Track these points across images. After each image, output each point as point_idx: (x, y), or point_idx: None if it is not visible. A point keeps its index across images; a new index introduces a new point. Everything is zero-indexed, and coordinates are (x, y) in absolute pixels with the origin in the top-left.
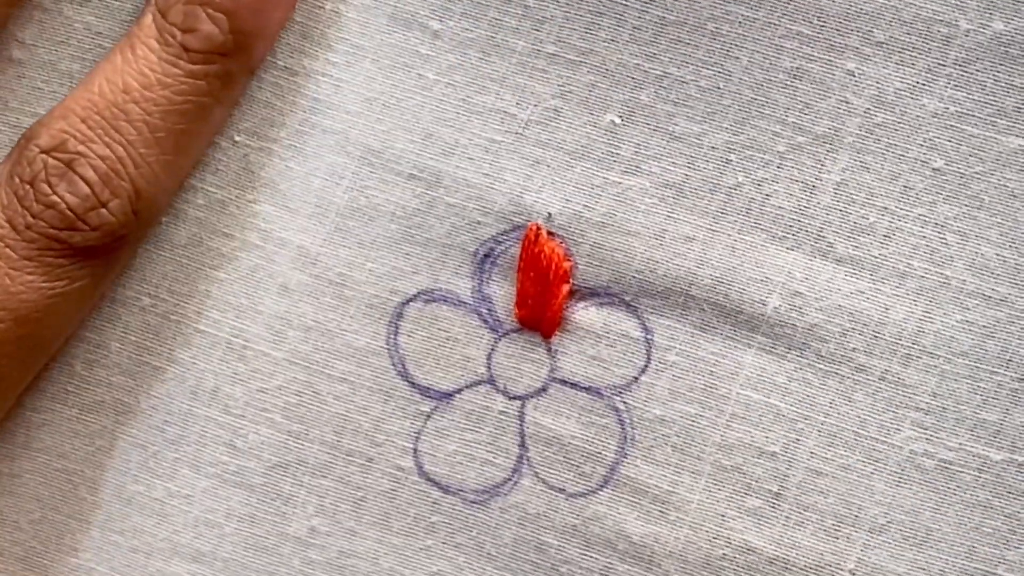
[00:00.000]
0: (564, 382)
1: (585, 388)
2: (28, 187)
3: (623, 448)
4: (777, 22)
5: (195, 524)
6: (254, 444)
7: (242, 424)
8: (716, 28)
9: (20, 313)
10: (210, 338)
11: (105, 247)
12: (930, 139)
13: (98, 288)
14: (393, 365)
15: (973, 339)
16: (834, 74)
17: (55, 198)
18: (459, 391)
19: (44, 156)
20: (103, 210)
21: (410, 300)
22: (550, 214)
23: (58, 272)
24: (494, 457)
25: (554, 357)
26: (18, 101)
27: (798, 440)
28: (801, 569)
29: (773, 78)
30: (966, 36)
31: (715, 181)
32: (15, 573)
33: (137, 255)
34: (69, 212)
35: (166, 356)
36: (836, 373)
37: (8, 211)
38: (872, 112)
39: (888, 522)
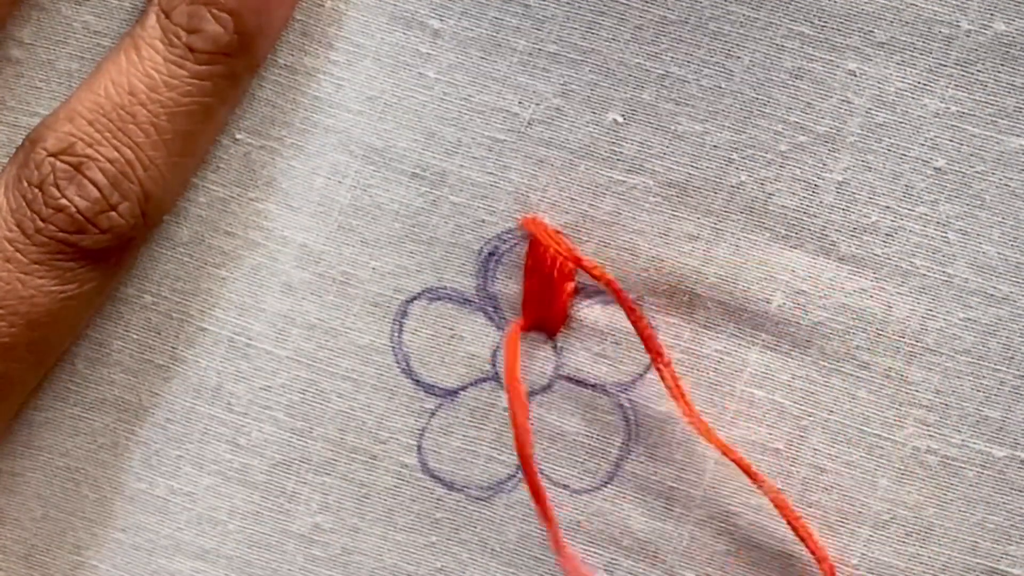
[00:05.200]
0: (569, 379)
1: (590, 385)
2: (37, 191)
3: (628, 445)
4: (778, 22)
5: (198, 521)
6: (257, 441)
7: (245, 422)
8: (717, 28)
9: (31, 317)
10: (213, 336)
11: (114, 249)
12: (931, 139)
13: (106, 290)
14: (397, 362)
15: (975, 337)
16: (835, 74)
17: (64, 202)
18: (464, 388)
19: (52, 159)
20: (112, 213)
21: (414, 298)
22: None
23: (68, 275)
24: (498, 454)
25: (559, 354)
26: (16, 100)
27: (802, 437)
28: (805, 565)
29: (775, 78)
30: (967, 36)
31: (718, 180)
32: (17, 571)
33: (139, 254)
34: (79, 215)
35: (169, 354)
36: (840, 371)
37: (17, 215)
38: (873, 112)
39: (892, 518)
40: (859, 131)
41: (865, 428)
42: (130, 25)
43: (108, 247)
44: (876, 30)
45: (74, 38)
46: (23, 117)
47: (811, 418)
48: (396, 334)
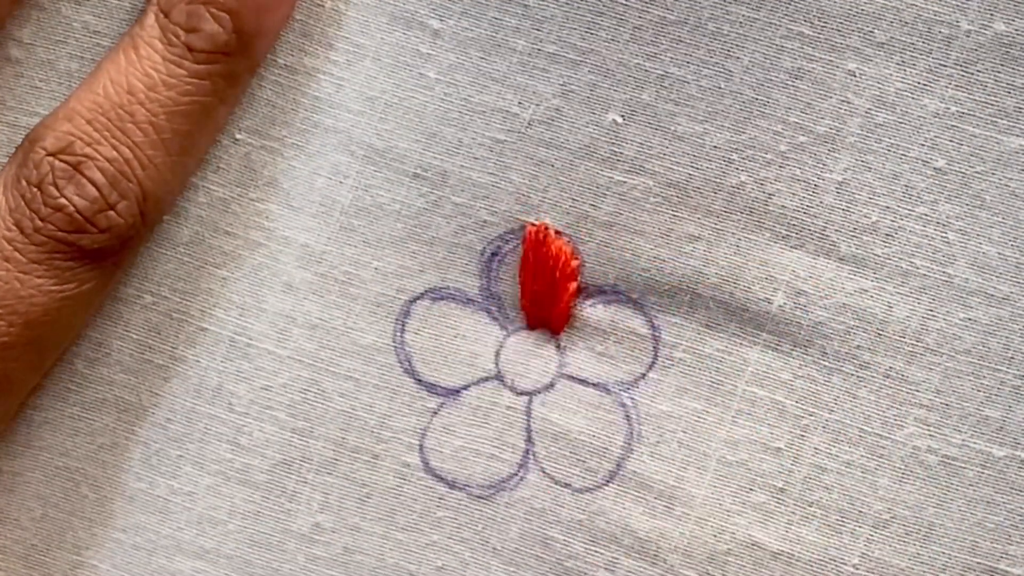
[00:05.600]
0: (572, 378)
1: (592, 384)
2: (35, 190)
3: (629, 444)
4: (778, 22)
5: (198, 521)
6: (258, 441)
7: (246, 421)
8: (717, 28)
9: (30, 317)
10: (213, 336)
11: (113, 249)
12: (931, 139)
13: (105, 289)
14: (400, 362)
15: (976, 337)
16: (835, 74)
17: (63, 201)
18: (466, 387)
19: (51, 159)
20: (111, 212)
21: (417, 298)
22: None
23: (67, 275)
24: (500, 452)
25: (562, 353)
26: (16, 100)
27: (803, 436)
28: (805, 564)
29: (774, 78)
30: (967, 37)
31: (718, 180)
32: (17, 571)
33: (139, 253)
34: (78, 215)
35: (169, 354)
36: (840, 370)
37: (16, 214)
38: (873, 112)
39: (892, 518)
40: (859, 131)
41: (865, 428)
42: (130, 25)
43: (107, 247)
44: (876, 30)
45: (74, 38)
46: (23, 117)
47: (812, 417)
48: (399, 334)
